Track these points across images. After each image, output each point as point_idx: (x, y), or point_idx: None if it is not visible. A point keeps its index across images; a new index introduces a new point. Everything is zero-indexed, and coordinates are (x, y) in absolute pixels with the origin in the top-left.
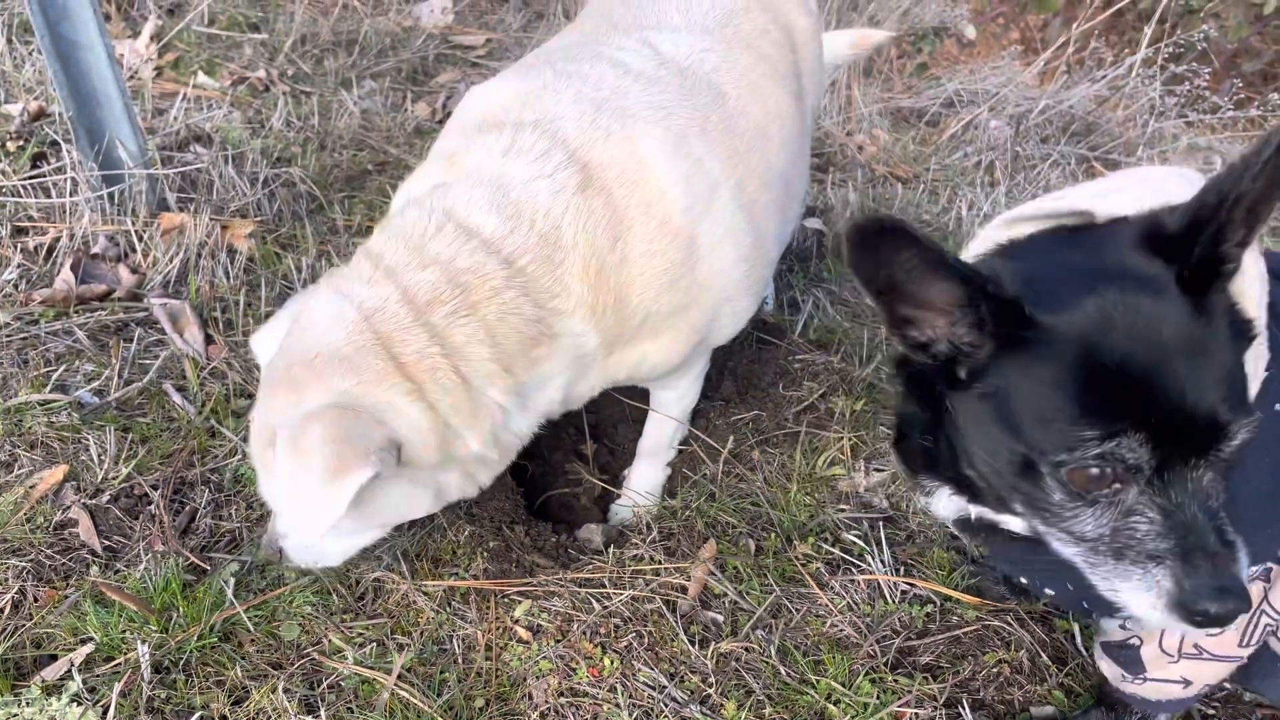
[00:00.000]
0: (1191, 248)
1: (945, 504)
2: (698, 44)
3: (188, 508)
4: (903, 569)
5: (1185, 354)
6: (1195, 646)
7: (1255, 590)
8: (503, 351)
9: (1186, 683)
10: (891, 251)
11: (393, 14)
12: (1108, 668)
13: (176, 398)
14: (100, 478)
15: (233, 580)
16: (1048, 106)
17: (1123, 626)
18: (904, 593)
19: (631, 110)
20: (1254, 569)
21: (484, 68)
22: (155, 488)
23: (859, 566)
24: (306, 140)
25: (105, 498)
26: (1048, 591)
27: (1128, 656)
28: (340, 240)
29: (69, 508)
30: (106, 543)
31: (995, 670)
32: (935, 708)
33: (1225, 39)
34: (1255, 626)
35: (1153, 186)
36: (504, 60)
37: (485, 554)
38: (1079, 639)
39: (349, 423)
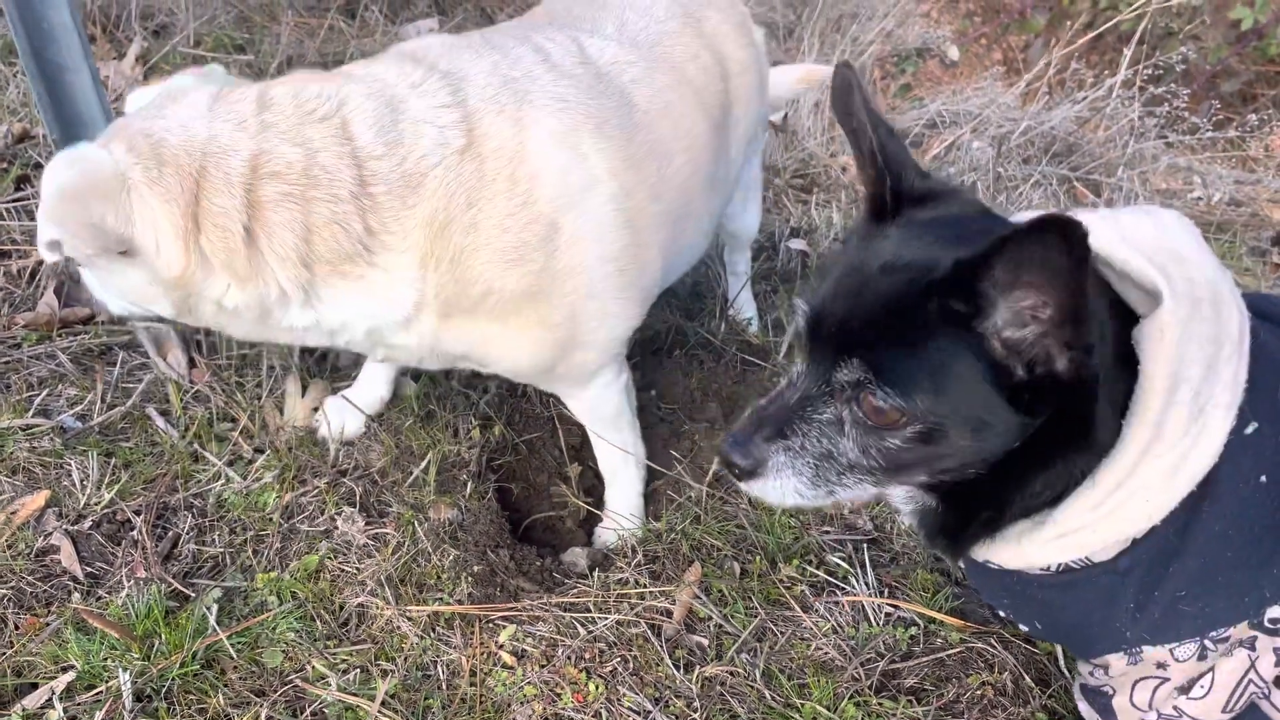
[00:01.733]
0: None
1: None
2: (623, 55)
3: (170, 533)
4: (887, 591)
5: (850, 281)
6: (1175, 709)
7: (1240, 657)
8: (312, 249)
9: None
10: (850, 101)
11: (379, 35)
12: (1085, 709)
13: (160, 422)
14: (82, 503)
15: (215, 607)
16: (1029, 127)
17: (1091, 674)
18: (888, 615)
19: (532, 95)
20: (1227, 631)
21: None
22: (138, 513)
23: (843, 589)
24: None
25: (87, 523)
26: (1021, 626)
27: (1101, 704)
28: None
29: (51, 534)
30: (88, 569)
31: (979, 692)
32: None
33: (1204, 60)
34: (1240, 695)
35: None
36: None
37: (470, 579)
38: (1061, 660)
39: (98, 188)
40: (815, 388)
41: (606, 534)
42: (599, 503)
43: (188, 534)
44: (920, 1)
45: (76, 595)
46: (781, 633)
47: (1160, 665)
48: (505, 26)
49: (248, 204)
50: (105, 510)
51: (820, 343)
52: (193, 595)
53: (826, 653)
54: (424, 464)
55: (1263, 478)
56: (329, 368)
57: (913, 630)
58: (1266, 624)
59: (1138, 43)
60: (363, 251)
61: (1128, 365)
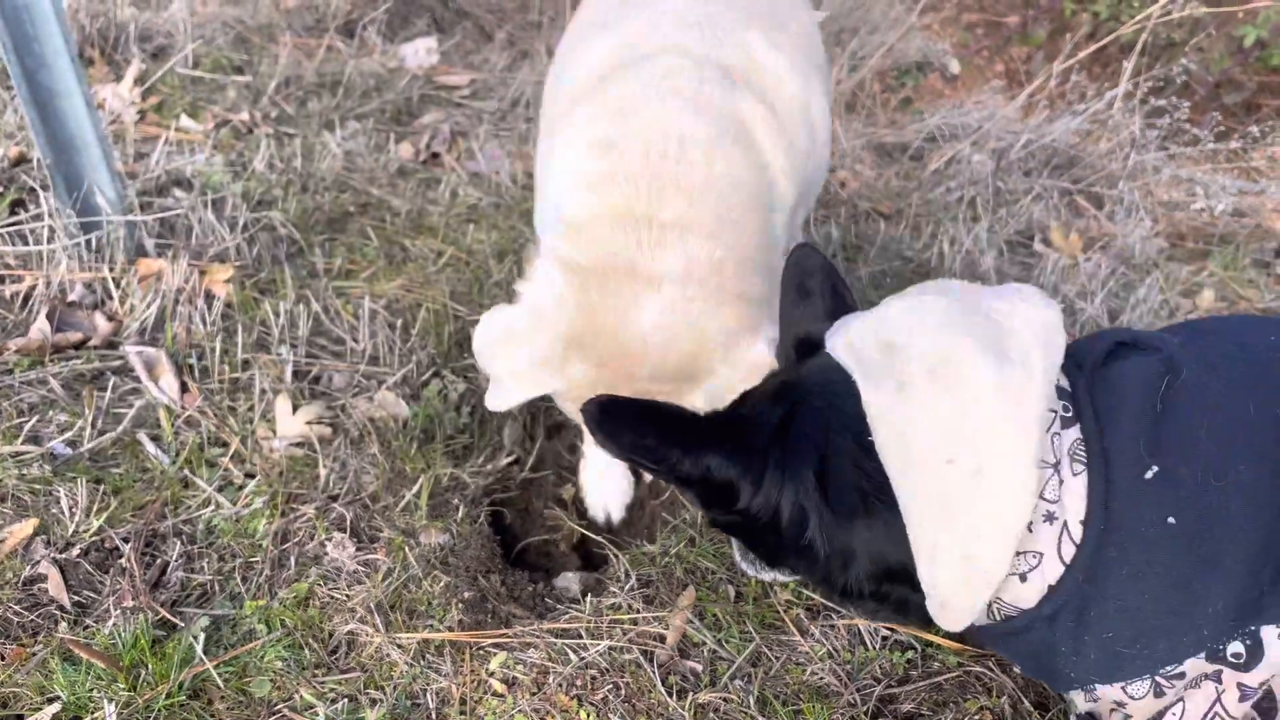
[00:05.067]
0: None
1: None
2: None
3: (159, 561)
4: None
5: None
6: None
7: (1208, 690)
8: None
9: None
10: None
11: (377, 55)
12: None
13: (151, 447)
14: (70, 531)
15: (203, 635)
16: (1030, 140)
17: (1078, 717)
18: (885, 638)
19: None
20: (1178, 668)
21: (468, 108)
22: (126, 540)
23: (839, 612)
24: (288, 183)
25: (75, 551)
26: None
27: None
28: (319, 284)
29: (38, 562)
30: (76, 598)
31: (977, 717)
32: None
33: (1207, 71)
34: None
35: None
36: (488, 99)
37: (460, 605)
38: None
39: None
40: None
41: None
42: (593, 526)
43: (176, 561)
44: (921, 15)
45: (63, 625)
46: (776, 657)
47: (1118, 704)
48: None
49: None
50: (94, 538)
51: None
52: (180, 624)
53: (822, 678)
54: (416, 488)
55: (1170, 519)
56: (320, 391)
57: (910, 654)
58: (1230, 658)
59: (1139, 54)
60: None
61: None
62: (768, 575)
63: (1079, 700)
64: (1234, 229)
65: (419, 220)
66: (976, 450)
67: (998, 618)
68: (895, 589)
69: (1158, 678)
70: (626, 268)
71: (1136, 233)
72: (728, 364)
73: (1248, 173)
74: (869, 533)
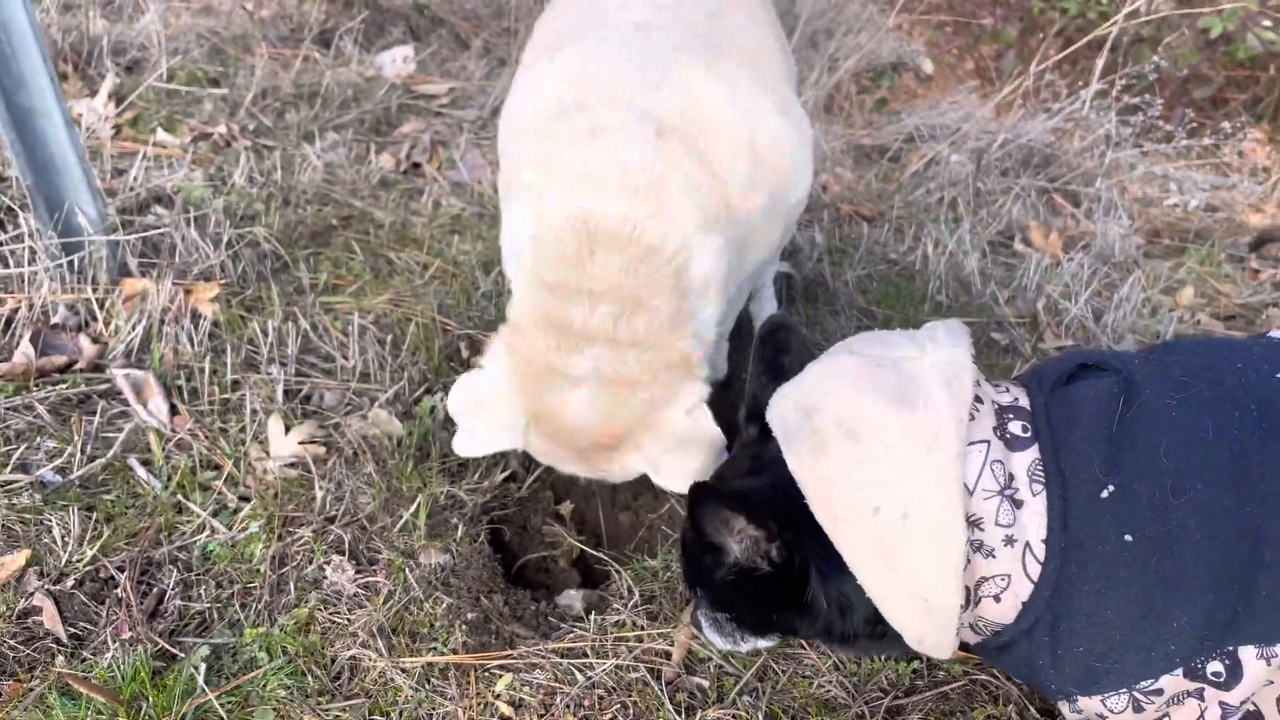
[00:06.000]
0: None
1: None
2: None
3: (155, 589)
4: None
5: None
6: None
7: (1192, 707)
8: None
9: None
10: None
11: (354, 65)
12: None
13: (141, 472)
14: (64, 561)
15: (203, 665)
16: (1007, 140)
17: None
18: None
19: None
20: (1154, 684)
21: (448, 117)
22: (121, 569)
23: None
24: (269, 196)
25: (70, 582)
26: None
27: None
28: (306, 300)
29: (32, 594)
30: (72, 630)
31: None
32: None
33: (1175, 67)
34: None
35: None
36: (467, 108)
37: (464, 626)
38: None
39: None
40: None
41: None
42: (592, 541)
43: (173, 589)
44: (894, 14)
45: (60, 658)
46: (783, 671)
47: (1100, 716)
48: None
49: None
50: (88, 568)
51: None
52: (180, 654)
53: (830, 691)
54: (414, 508)
55: (1127, 536)
56: (311, 409)
57: (915, 664)
58: (1210, 676)
59: (1110, 50)
60: None
61: None
62: (746, 646)
63: (1066, 710)
64: (1209, 224)
65: (403, 232)
66: (898, 496)
67: (986, 634)
68: (890, 627)
69: (1135, 693)
70: (553, 367)
71: (1115, 230)
72: (652, 433)
73: (1220, 168)
74: (858, 585)
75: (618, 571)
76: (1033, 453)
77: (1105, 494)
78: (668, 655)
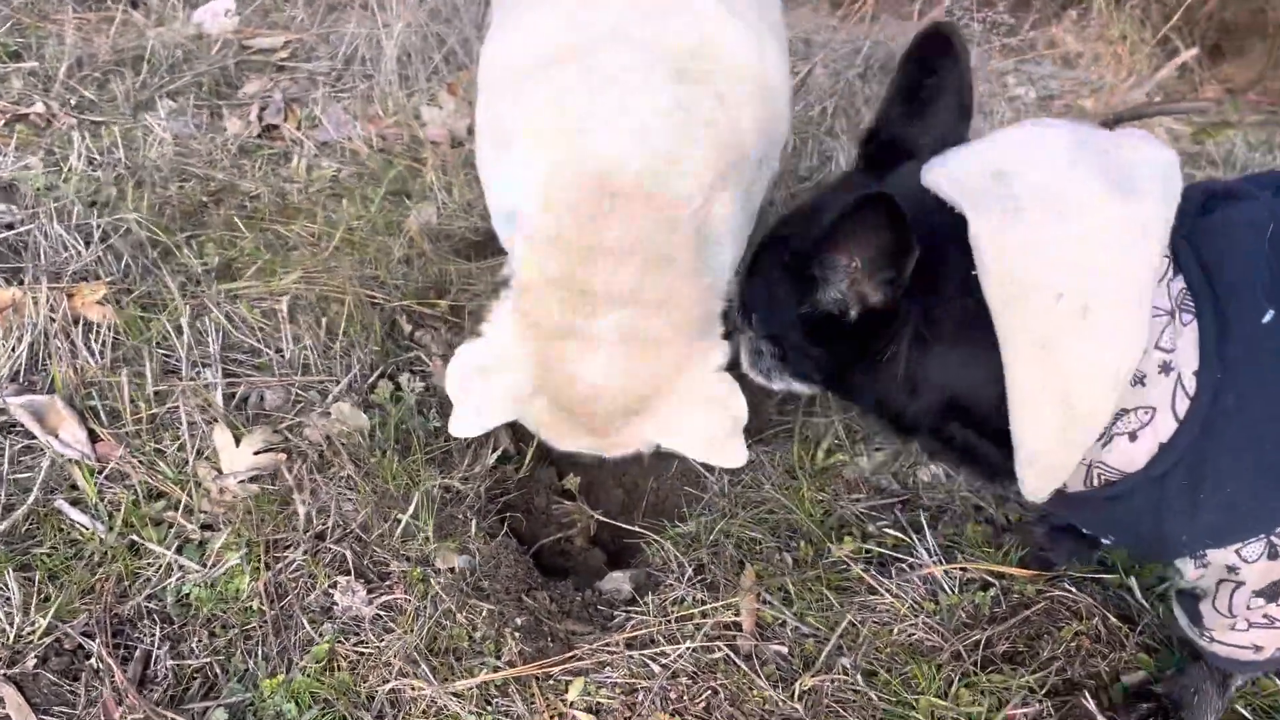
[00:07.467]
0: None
1: None
2: None
3: (137, 651)
4: (950, 554)
5: None
6: (1265, 617)
7: None
8: None
9: (1257, 648)
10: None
11: (177, 24)
12: (1179, 614)
13: (74, 514)
14: (13, 637)
15: None
16: (869, 49)
17: (1179, 578)
18: (961, 582)
19: None
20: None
21: (295, 71)
22: (89, 634)
23: (905, 560)
24: (119, 178)
25: (30, 661)
26: (1104, 542)
27: (1191, 610)
28: (208, 290)
29: None
30: (48, 718)
31: (1074, 644)
32: (1040, 700)
33: None
34: None
35: None
36: (312, 60)
37: (514, 633)
38: (1138, 593)
39: None
40: None
41: None
42: (610, 511)
43: (158, 648)
44: None
45: None
46: (861, 622)
47: (1231, 569)
48: None
49: None
50: (45, 639)
51: None
52: None
53: (914, 634)
54: (411, 508)
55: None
56: (255, 413)
57: (991, 591)
58: None
59: None
60: None
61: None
62: (779, 384)
63: (1188, 569)
64: (1056, 113)
65: (283, 202)
66: (1087, 285)
67: (1096, 483)
68: (962, 432)
69: (1273, 537)
70: (570, 329)
71: (983, 127)
72: (676, 395)
73: (1064, 58)
74: (952, 363)
75: (656, 543)
76: (1179, 283)
77: (1266, 319)
78: (738, 627)
